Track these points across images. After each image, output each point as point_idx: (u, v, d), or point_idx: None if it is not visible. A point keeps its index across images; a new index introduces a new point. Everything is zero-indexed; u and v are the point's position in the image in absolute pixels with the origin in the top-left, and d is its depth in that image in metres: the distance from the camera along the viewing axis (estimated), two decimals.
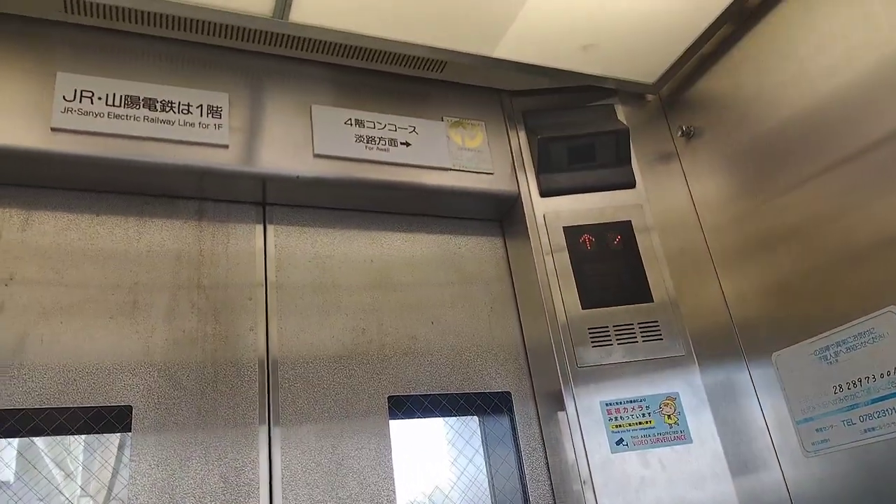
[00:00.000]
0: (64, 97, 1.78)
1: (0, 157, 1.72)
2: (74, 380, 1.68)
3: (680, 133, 2.27)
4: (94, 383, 1.69)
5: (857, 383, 1.63)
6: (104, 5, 1.79)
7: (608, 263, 2.12)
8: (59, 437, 1.66)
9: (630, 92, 2.38)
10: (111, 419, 1.68)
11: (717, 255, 2.10)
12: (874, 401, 1.58)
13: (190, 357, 1.81)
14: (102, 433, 1.68)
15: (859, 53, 1.66)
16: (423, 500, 1.93)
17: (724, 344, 2.01)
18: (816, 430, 1.72)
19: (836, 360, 1.68)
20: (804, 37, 1.82)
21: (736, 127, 2.05)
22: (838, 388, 1.67)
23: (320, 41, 2.00)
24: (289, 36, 1.97)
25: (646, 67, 2.25)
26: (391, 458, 1.89)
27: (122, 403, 1.69)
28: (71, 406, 1.66)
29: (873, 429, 1.58)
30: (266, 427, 1.81)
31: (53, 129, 1.74)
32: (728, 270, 2.06)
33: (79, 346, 1.72)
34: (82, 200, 1.88)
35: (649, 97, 2.42)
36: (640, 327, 2.04)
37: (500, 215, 2.38)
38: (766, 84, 1.95)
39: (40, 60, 1.81)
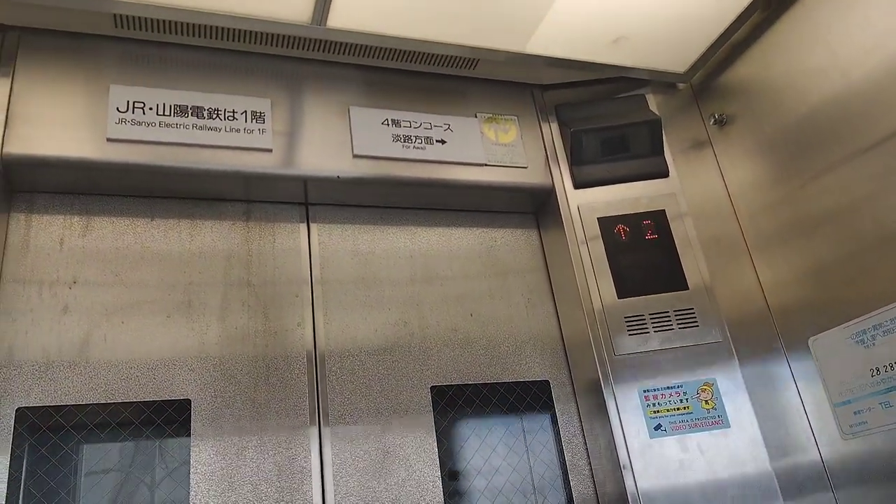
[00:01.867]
0: (118, 108, 1.87)
1: (60, 168, 1.82)
2: (136, 376, 1.78)
3: (712, 121, 2.29)
4: (154, 379, 1.79)
5: (894, 366, 1.64)
6: (152, 19, 1.87)
7: (643, 253, 2.16)
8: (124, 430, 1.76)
9: (661, 82, 2.41)
10: (172, 412, 1.78)
11: (752, 242, 2.12)
12: None
13: (243, 352, 1.90)
14: (164, 426, 1.78)
15: (889, 39, 1.67)
16: (467, 486, 1.99)
17: (760, 329, 2.04)
18: (854, 412, 1.75)
19: (873, 344, 1.70)
20: (834, 24, 1.83)
21: (768, 113, 2.07)
22: (875, 371, 1.69)
23: (357, 45, 2.07)
24: (327, 41, 2.04)
25: (677, 57, 2.27)
26: (435, 446, 1.96)
27: (182, 397, 1.79)
28: (134, 400, 1.76)
29: None
30: (316, 417, 1.89)
31: (109, 140, 1.84)
32: (763, 256, 2.08)
33: (139, 343, 1.82)
34: (137, 206, 1.98)
35: (680, 86, 2.44)
36: (675, 315, 2.07)
37: (535, 208, 2.43)
38: (796, 70, 1.96)
39: (94, 74, 1.91)
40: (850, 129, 1.78)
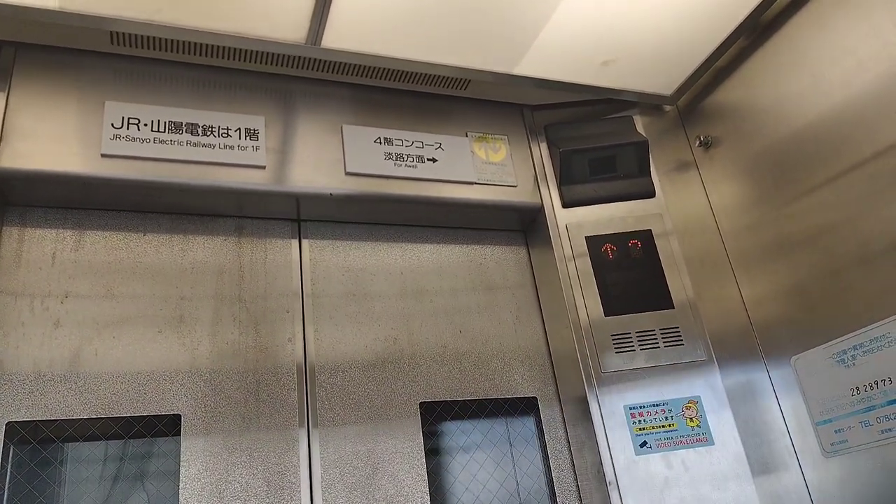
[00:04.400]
0: (112, 125, 1.89)
1: (55, 183, 1.83)
2: (127, 390, 1.79)
3: (697, 143, 2.33)
4: (145, 393, 1.80)
5: (874, 385, 1.68)
6: (148, 37, 1.90)
7: (629, 271, 2.20)
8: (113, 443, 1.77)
9: (648, 104, 2.45)
10: (162, 427, 1.79)
11: (736, 261, 2.16)
12: (890, 402, 1.64)
13: (233, 367, 1.91)
14: (154, 440, 1.78)
15: (869, 66, 1.72)
16: (455, 501, 2.01)
17: (743, 347, 2.07)
18: (835, 431, 1.78)
19: (854, 364, 1.74)
20: (816, 50, 1.89)
21: (752, 136, 2.11)
22: (855, 390, 1.73)
23: (350, 64, 2.10)
24: (321, 60, 2.07)
25: (663, 80, 2.32)
26: (423, 461, 1.98)
27: (172, 412, 1.80)
28: (124, 415, 1.77)
29: (890, 430, 1.64)
30: (305, 432, 1.90)
31: (103, 155, 1.85)
32: (747, 275, 2.12)
33: (130, 358, 1.83)
34: (130, 221, 2.00)
35: (667, 108, 2.49)
36: (661, 333, 2.11)
37: (523, 226, 2.46)
38: (780, 95, 2.01)
39: (89, 90, 1.93)
40: (831, 151, 1.83)
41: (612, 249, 2.22)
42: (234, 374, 1.90)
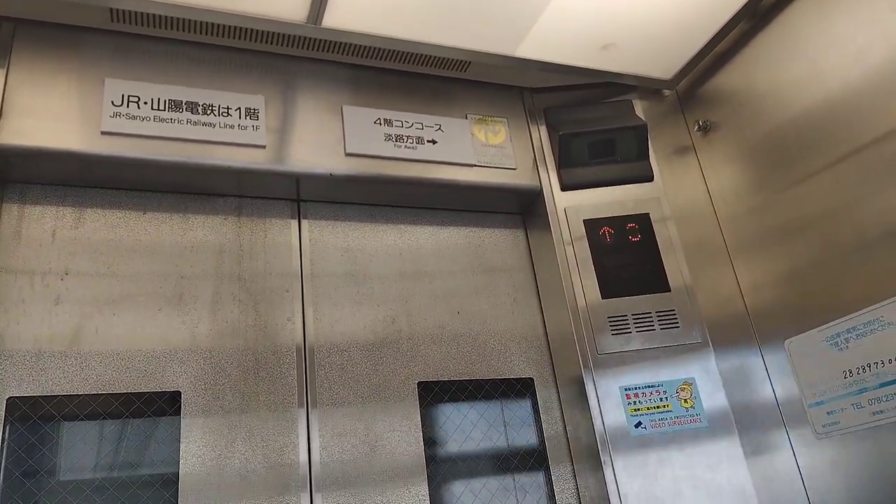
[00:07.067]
0: (112, 102, 1.88)
1: (54, 160, 1.83)
2: (127, 367, 1.80)
3: (696, 127, 2.34)
4: (145, 370, 1.81)
5: (866, 368, 1.71)
6: (148, 14, 1.89)
7: (627, 255, 2.21)
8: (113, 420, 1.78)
9: (648, 88, 2.46)
10: (162, 404, 1.80)
11: (732, 245, 2.18)
12: (882, 385, 1.66)
13: (233, 345, 1.92)
14: (154, 417, 1.80)
15: (868, 53, 1.73)
16: (452, 480, 2.03)
17: (738, 331, 2.09)
18: (827, 413, 1.81)
19: (847, 347, 1.76)
20: (816, 37, 1.89)
21: (750, 121, 2.12)
22: (848, 373, 1.75)
23: (351, 44, 2.10)
24: (321, 40, 2.06)
25: (663, 64, 2.32)
26: (421, 440, 2.00)
27: (172, 389, 1.82)
28: (124, 392, 1.78)
29: (881, 411, 1.66)
30: (304, 410, 1.92)
31: (103, 133, 1.85)
32: (742, 260, 2.13)
33: (130, 335, 1.84)
34: (130, 199, 2.00)
35: (666, 93, 2.49)
36: (657, 316, 2.13)
37: (522, 209, 2.47)
38: (779, 81, 2.02)
39: (89, 67, 1.92)
40: (829, 138, 1.84)
41: (609, 233, 2.23)
42: (234, 352, 1.92)
